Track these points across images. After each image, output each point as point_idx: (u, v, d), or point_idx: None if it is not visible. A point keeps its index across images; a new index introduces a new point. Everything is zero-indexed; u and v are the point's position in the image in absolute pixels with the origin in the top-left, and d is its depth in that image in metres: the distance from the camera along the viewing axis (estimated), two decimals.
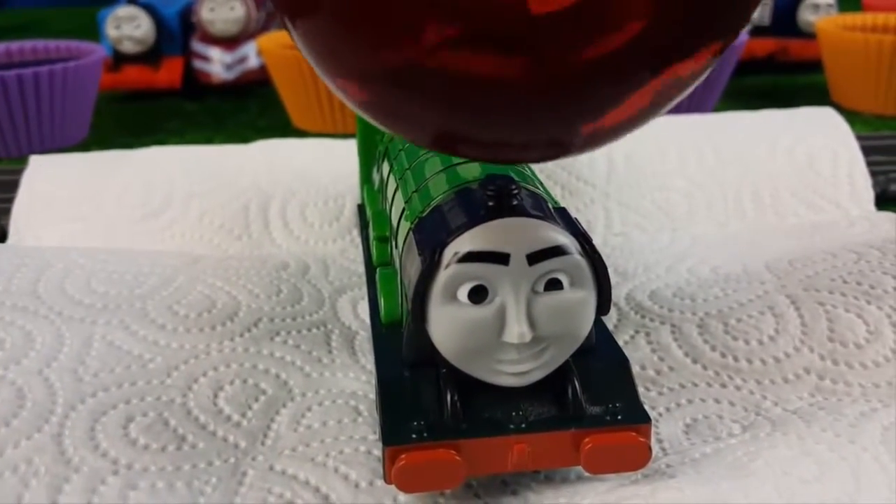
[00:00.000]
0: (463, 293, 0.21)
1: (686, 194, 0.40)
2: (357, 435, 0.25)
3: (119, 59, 0.68)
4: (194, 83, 0.69)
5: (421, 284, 0.21)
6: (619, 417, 0.22)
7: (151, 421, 0.25)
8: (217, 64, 0.68)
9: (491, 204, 0.21)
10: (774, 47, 0.70)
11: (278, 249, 0.38)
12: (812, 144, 0.41)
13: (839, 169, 0.40)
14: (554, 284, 0.21)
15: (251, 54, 0.68)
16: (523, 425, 0.22)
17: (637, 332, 0.30)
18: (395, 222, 0.26)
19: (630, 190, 0.40)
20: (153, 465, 0.23)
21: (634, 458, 0.21)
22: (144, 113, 0.67)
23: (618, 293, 0.33)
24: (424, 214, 0.23)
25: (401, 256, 0.24)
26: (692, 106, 0.55)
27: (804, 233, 0.37)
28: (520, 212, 0.21)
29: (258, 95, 0.69)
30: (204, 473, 0.23)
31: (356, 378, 0.28)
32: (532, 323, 0.21)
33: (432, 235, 0.21)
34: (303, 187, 0.40)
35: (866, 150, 0.42)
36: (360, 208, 0.37)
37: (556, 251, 0.21)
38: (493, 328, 0.21)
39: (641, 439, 0.21)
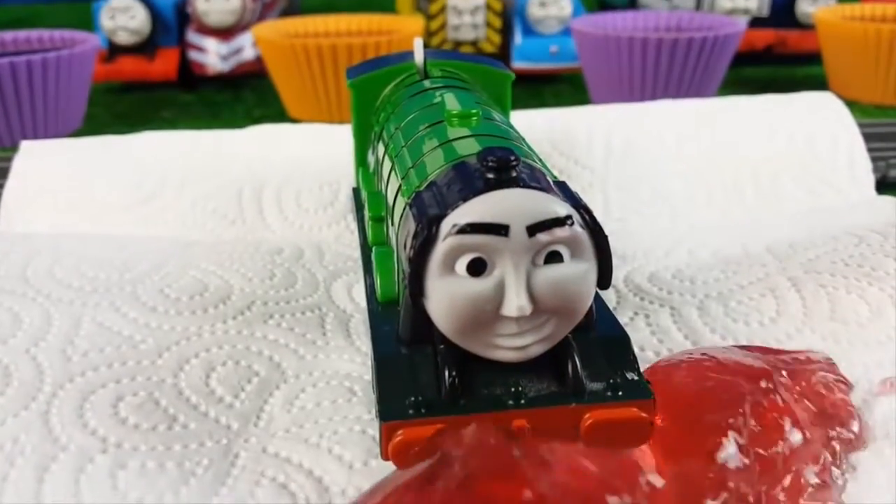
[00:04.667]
0: (461, 266, 0.20)
1: (685, 179, 0.39)
2: (352, 415, 0.25)
3: (114, 51, 0.68)
4: (190, 74, 0.68)
5: (418, 257, 0.20)
6: (620, 393, 0.21)
7: (142, 401, 0.24)
8: (212, 55, 0.67)
9: (490, 176, 0.20)
10: (773, 38, 0.70)
11: (272, 235, 0.38)
12: (812, 129, 0.40)
13: (839, 153, 0.40)
14: (554, 257, 0.20)
15: (247, 45, 0.68)
16: (522, 401, 0.21)
17: (636, 313, 0.30)
18: (390, 200, 0.26)
19: (629, 175, 0.39)
20: (143, 445, 0.23)
21: (635, 434, 0.21)
22: (139, 104, 0.66)
23: (616, 275, 0.32)
24: (421, 189, 0.22)
25: (397, 233, 0.23)
26: (690, 97, 0.55)
27: (804, 217, 0.36)
28: (519, 183, 0.20)
29: (254, 87, 0.69)
30: (195, 454, 0.23)
31: (351, 360, 0.28)
32: (532, 296, 0.20)
33: (430, 208, 0.21)
34: (297, 172, 0.40)
35: (866, 137, 0.42)
36: (355, 192, 0.36)
37: (557, 222, 0.20)
38: (491, 302, 0.20)
39: (643, 415, 0.21)
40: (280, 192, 0.39)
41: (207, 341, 0.27)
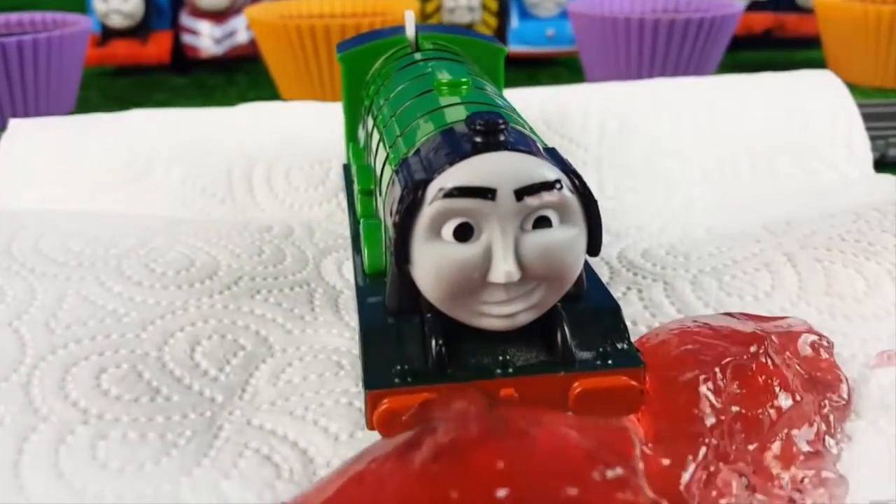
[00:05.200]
0: (448, 231, 0.20)
1: (680, 157, 0.39)
2: (338, 388, 0.24)
3: (107, 34, 0.67)
4: (183, 58, 0.68)
5: (404, 221, 0.20)
6: (610, 362, 0.21)
7: (124, 373, 0.24)
8: (206, 38, 0.67)
9: (477, 139, 0.20)
10: (771, 22, 0.69)
11: (262, 213, 0.37)
12: (810, 107, 0.40)
13: (837, 131, 0.39)
14: (543, 222, 0.20)
15: (240, 28, 0.67)
16: (510, 370, 0.21)
17: (629, 288, 0.29)
18: (378, 171, 0.26)
19: (623, 153, 0.39)
20: (125, 416, 0.22)
21: (626, 403, 0.20)
22: (132, 88, 0.66)
23: (609, 252, 0.32)
24: (409, 155, 0.22)
25: (384, 202, 0.23)
26: None
27: (801, 195, 0.36)
28: (507, 146, 0.20)
29: (247, 70, 0.68)
30: (178, 426, 0.22)
31: (339, 334, 0.27)
32: (520, 262, 0.20)
33: (416, 173, 0.20)
34: (288, 150, 0.39)
35: (865, 117, 0.41)
36: (346, 168, 0.36)
37: (545, 186, 0.20)
38: (479, 268, 0.20)
39: (633, 383, 0.20)
40: (270, 170, 0.38)
41: (193, 315, 0.27)
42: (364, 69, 0.33)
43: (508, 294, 0.20)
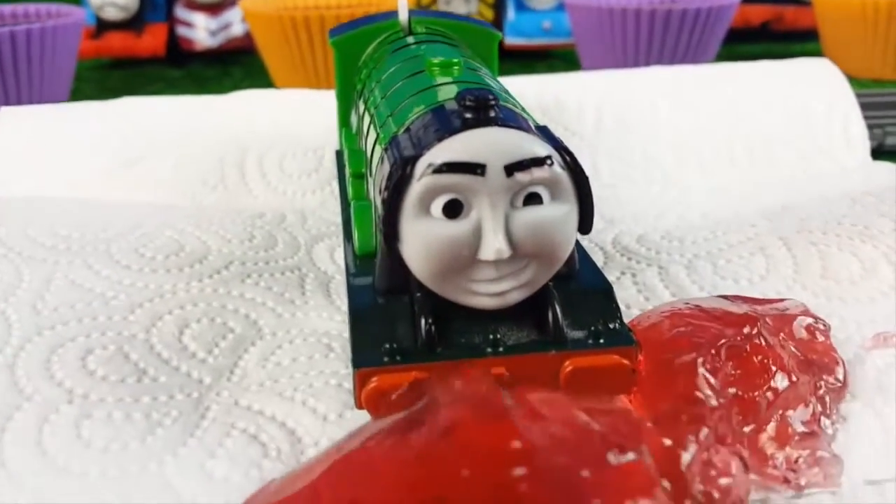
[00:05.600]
0: (437, 207, 0.19)
1: (676, 146, 0.39)
2: (328, 370, 0.24)
3: (101, 27, 0.67)
4: (178, 50, 0.67)
5: (392, 198, 0.19)
6: (602, 341, 0.21)
7: (111, 354, 0.24)
8: (201, 30, 0.67)
9: (468, 115, 0.20)
10: (769, 14, 0.69)
11: (255, 200, 0.37)
12: (807, 95, 0.40)
13: (834, 119, 0.39)
14: (533, 199, 0.20)
15: (235, 20, 0.67)
16: (501, 349, 0.20)
17: (623, 273, 0.29)
18: (369, 152, 0.25)
19: (618, 141, 0.39)
20: (110, 396, 0.22)
21: (618, 382, 0.20)
22: (127, 80, 0.65)
23: (604, 237, 0.32)
24: (398, 133, 0.22)
25: (374, 181, 0.23)
26: None
27: (798, 182, 0.36)
28: (497, 122, 0.20)
29: (242, 62, 0.68)
30: (164, 406, 0.22)
31: (330, 318, 0.27)
32: (510, 239, 0.19)
33: (405, 150, 0.20)
34: (281, 138, 0.39)
35: (862, 107, 0.41)
36: (339, 154, 0.36)
37: (536, 162, 0.19)
38: (468, 245, 0.20)
39: (624, 362, 0.20)
40: (263, 157, 0.38)
41: (182, 299, 0.27)
42: (357, 54, 0.33)
43: (499, 272, 0.20)
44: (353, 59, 0.33)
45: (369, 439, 0.18)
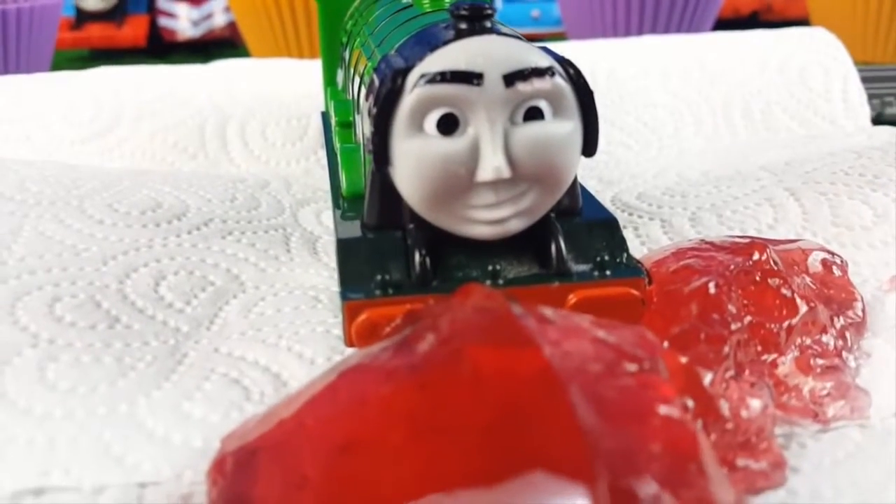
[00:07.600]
0: (431, 123, 0.18)
1: (672, 111, 0.37)
2: (315, 319, 0.22)
3: (81, 17, 0.65)
4: (159, 41, 0.66)
5: (382, 114, 0.18)
6: (609, 272, 0.19)
7: (81, 302, 0.22)
8: (183, 20, 0.65)
9: (462, 25, 0.18)
10: (758, 4, 0.68)
11: (237, 169, 0.36)
12: (804, 60, 0.39)
13: (832, 84, 0.38)
14: (534, 114, 0.18)
15: (218, 10, 0.66)
16: (501, 281, 0.19)
17: (625, 227, 0.28)
18: (355, 92, 0.24)
19: (614, 106, 0.37)
20: (78, 342, 0.20)
21: (626, 313, 0.19)
22: None
23: (604, 196, 0.30)
24: (388, 54, 0.20)
25: (361, 111, 0.21)
26: None
27: (799, 142, 0.34)
28: (495, 31, 0.18)
29: (225, 55, 0.67)
30: (138, 351, 0.20)
31: (317, 273, 0.26)
32: (510, 158, 0.18)
33: (396, 63, 0.19)
34: (264, 106, 0.37)
35: (861, 80, 0.40)
36: (324, 116, 0.34)
37: (537, 72, 0.18)
38: (465, 164, 0.18)
39: (633, 292, 0.19)
40: (245, 125, 0.37)
41: (158, 252, 0.25)
42: (342, 11, 0.31)
43: (498, 196, 0.18)
44: (338, 15, 0.31)
45: (358, 366, 0.16)
